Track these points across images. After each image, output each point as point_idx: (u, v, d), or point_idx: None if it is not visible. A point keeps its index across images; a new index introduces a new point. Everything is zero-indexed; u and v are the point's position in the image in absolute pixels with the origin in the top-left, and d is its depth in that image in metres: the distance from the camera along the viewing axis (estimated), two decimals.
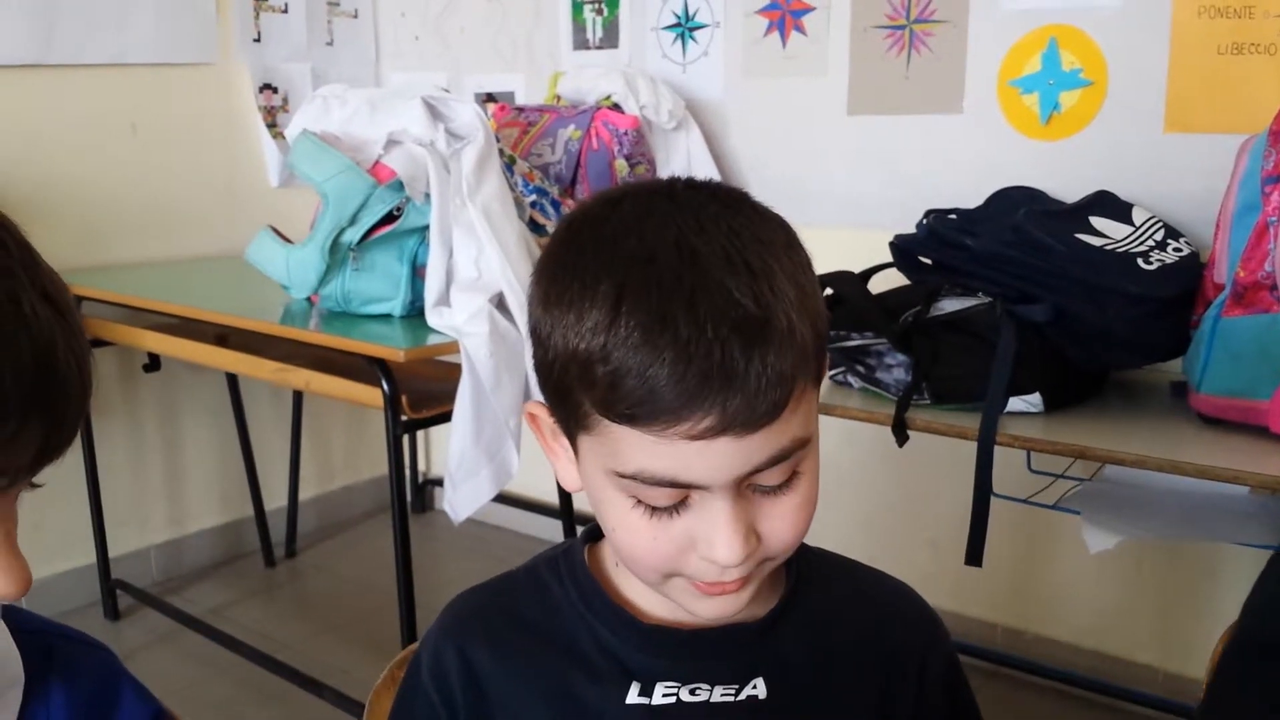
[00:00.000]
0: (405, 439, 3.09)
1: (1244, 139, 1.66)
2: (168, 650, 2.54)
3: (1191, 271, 1.72)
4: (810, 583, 0.81)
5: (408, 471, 3.29)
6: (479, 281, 1.92)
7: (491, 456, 1.90)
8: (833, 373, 1.85)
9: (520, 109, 2.59)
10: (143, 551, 2.86)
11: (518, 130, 2.52)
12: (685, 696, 0.76)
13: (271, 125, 2.97)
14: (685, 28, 2.58)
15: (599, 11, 2.71)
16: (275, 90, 3.00)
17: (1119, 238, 1.77)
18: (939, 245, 1.81)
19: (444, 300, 1.95)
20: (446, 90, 2.10)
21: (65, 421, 0.62)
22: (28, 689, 0.74)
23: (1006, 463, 1.73)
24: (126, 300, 2.36)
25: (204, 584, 2.90)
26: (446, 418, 1.90)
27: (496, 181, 1.99)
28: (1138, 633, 2.24)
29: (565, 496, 2.49)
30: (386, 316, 2.08)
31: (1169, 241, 1.80)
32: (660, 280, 0.63)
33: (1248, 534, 1.68)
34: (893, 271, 1.91)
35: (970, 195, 1.98)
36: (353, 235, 2.01)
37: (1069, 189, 2.00)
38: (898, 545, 2.46)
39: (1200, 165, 1.92)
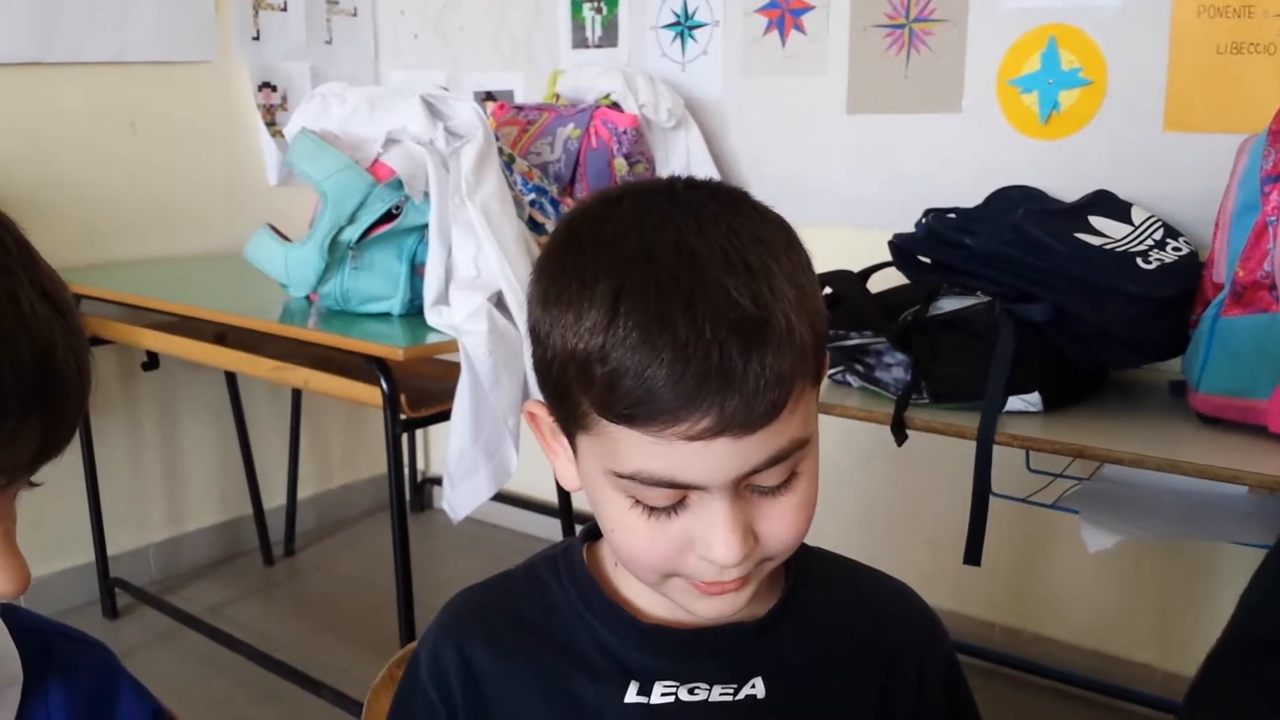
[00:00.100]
0: (404, 438, 3.09)
1: (1243, 138, 1.66)
2: (166, 649, 2.54)
3: (1190, 271, 1.72)
4: (809, 582, 0.81)
5: (406, 470, 3.29)
6: (478, 280, 1.92)
7: (490, 455, 1.90)
8: (831, 372, 1.85)
9: (519, 107, 2.59)
10: (141, 550, 2.86)
11: (517, 129, 2.52)
12: (684, 696, 0.76)
13: (270, 124, 2.97)
14: (684, 26, 2.58)
15: (598, 10, 2.71)
16: (274, 88, 3.00)
17: (1118, 237, 1.77)
18: (938, 244, 1.81)
19: (443, 299, 1.95)
20: (445, 89, 2.10)
21: (64, 420, 0.62)
22: (26, 688, 0.74)
23: (1005, 462, 1.73)
24: (125, 299, 2.36)
25: (203, 583, 2.90)
26: (445, 416, 1.90)
27: (495, 180, 1.99)
28: (1136, 632, 2.24)
29: (564, 495, 2.49)
30: (385, 315, 2.08)
31: (1168, 241, 1.80)
32: (659, 280, 0.63)
33: (1246, 533, 1.68)
34: (892, 271, 1.91)
35: (969, 194, 1.98)
36: (351, 234, 2.01)
37: (1068, 188, 2.00)
38: (896, 544, 2.46)
39: (1199, 165, 1.92)
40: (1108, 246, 1.73)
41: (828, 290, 1.81)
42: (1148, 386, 1.86)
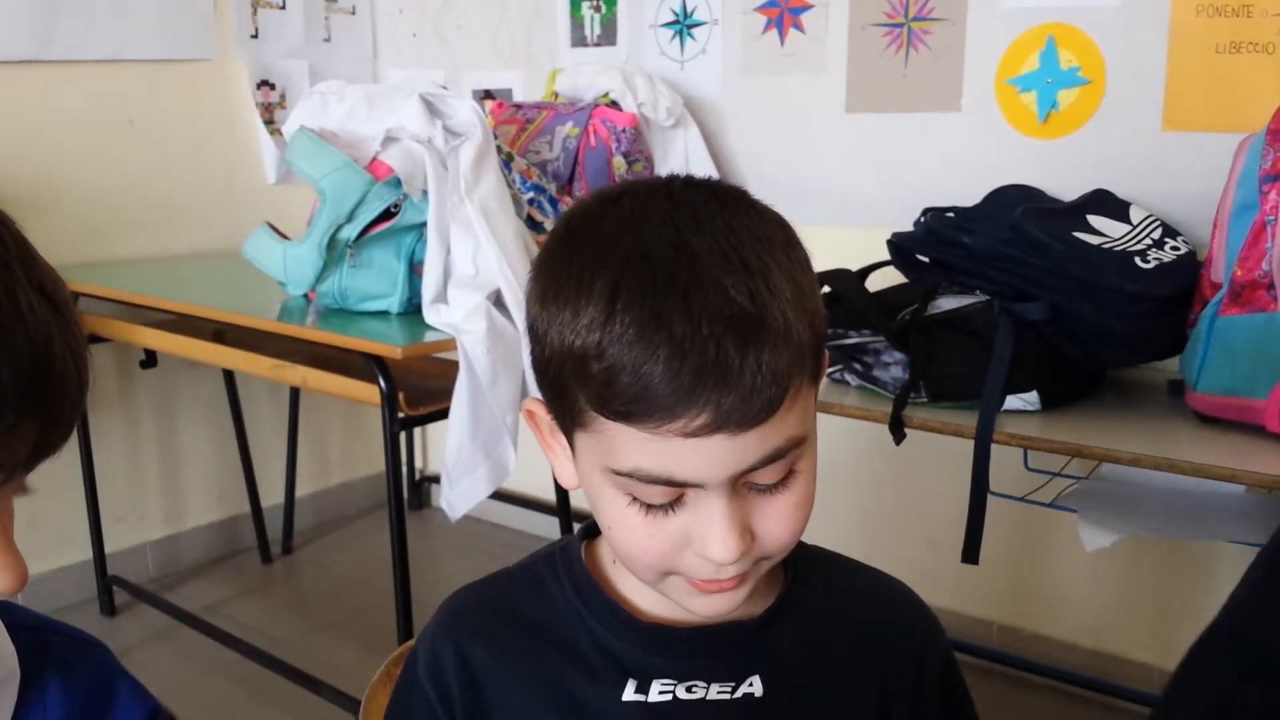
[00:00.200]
0: (402, 436, 3.10)
1: (1242, 138, 1.66)
2: (164, 647, 2.54)
3: (1188, 270, 1.72)
4: (807, 581, 0.81)
5: (405, 468, 3.29)
6: (476, 279, 1.92)
7: (489, 454, 1.90)
8: (830, 371, 1.85)
9: (518, 106, 2.59)
10: (139, 548, 2.86)
11: (515, 127, 2.52)
12: (682, 694, 0.76)
13: (269, 122, 2.97)
14: (683, 25, 2.58)
15: (597, 9, 2.71)
16: (273, 87, 2.99)
17: (1116, 236, 1.77)
18: (936, 243, 1.81)
19: (441, 297, 1.95)
20: (444, 87, 2.11)
21: (62, 418, 0.62)
22: (24, 686, 0.74)
23: (1003, 461, 1.73)
24: (123, 297, 2.36)
25: (200, 580, 2.90)
26: (444, 415, 1.90)
27: (494, 178, 1.99)
28: (1134, 631, 2.24)
29: (562, 494, 2.49)
30: (384, 313, 2.08)
31: (1166, 240, 1.80)
32: (656, 278, 0.63)
33: (1244, 532, 1.68)
34: (890, 269, 1.91)
35: (968, 193, 1.98)
36: (350, 232, 2.01)
37: (1067, 187, 1.99)
38: (895, 543, 2.46)
39: (1198, 164, 1.92)
40: (1106, 246, 1.73)
41: (826, 289, 1.81)
42: (1146, 386, 1.86)
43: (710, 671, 0.76)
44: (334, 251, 2.03)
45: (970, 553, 1.68)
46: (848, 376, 1.84)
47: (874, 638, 0.82)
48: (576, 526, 0.84)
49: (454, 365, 1.88)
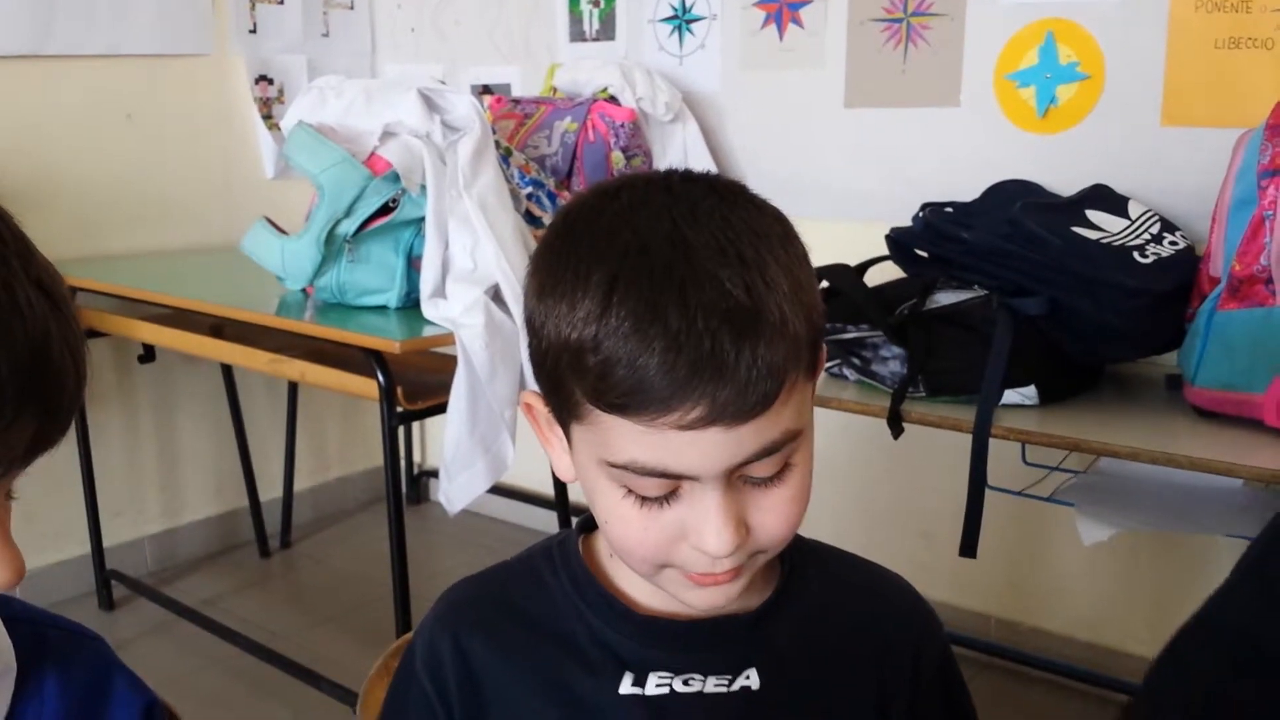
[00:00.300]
0: (400, 430, 3.11)
1: (1241, 133, 1.66)
2: (162, 641, 2.54)
3: (1187, 265, 1.72)
4: (804, 575, 0.81)
5: (403, 463, 3.29)
6: (474, 273, 1.92)
7: (487, 448, 1.90)
8: (828, 365, 1.85)
9: (516, 101, 2.59)
10: (137, 542, 2.86)
11: (514, 122, 2.52)
12: (678, 687, 0.76)
13: (267, 117, 2.96)
14: (682, 20, 2.58)
15: (596, 4, 2.71)
16: (271, 82, 2.99)
17: (1115, 231, 1.77)
18: (935, 238, 1.81)
19: (439, 292, 1.95)
20: (442, 82, 2.10)
21: (60, 412, 0.62)
22: (21, 679, 0.74)
23: (1001, 455, 1.73)
24: (122, 291, 2.36)
25: (199, 575, 2.90)
26: (442, 409, 1.90)
27: (492, 173, 1.99)
28: (1132, 624, 2.25)
29: (560, 488, 2.49)
30: (382, 308, 2.08)
31: (1165, 235, 1.80)
32: (652, 271, 0.63)
33: (1241, 526, 1.68)
34: (889, 264, 1.91)
35: (966, 188, 1.98)
36: (348, 227, 2.01)
37: (1065, 182, 2.00)
38: (893, 537, 2.46)
39: (1197, 159, 1.92)
40: (1104, 240, 1.73)
41: (824, 284, 1.81)
42: (1144, 380, 1.86)
43: (707, 664, 0.77)
44: (332, 246, 2.03)
45: (968, 547, 1.68)
46: (846, 371, 1.84)
47: (871, 631, 0.82)
48: (575, 521, 0.84)
49: (452, 360, 1.88)
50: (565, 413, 0.70)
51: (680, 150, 2.52)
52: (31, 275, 0.61)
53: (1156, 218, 1.85)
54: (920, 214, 1.86)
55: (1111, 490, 1.83)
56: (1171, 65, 1.98)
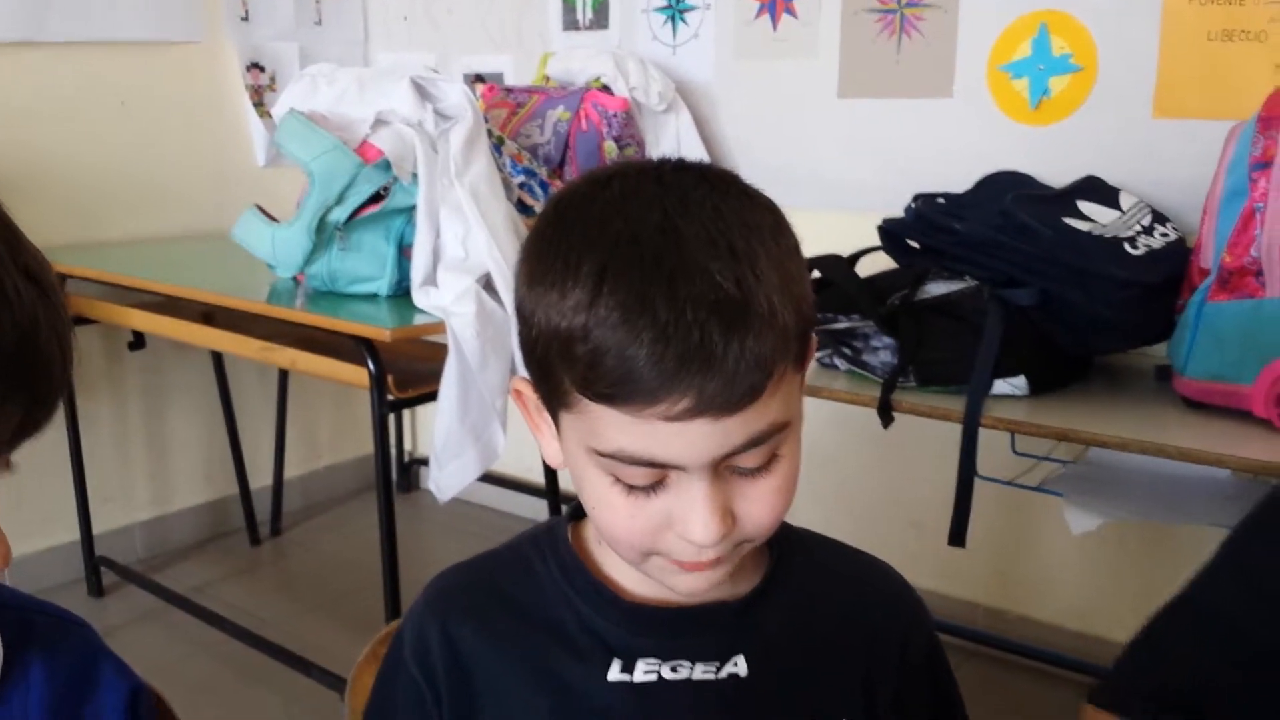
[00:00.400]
0: (391, 418, 3.09)
1: (1232, 125, 1.66)
2: (152, 628, 2.54)
3: (1178, 256, 1.73)
4: (792, 562, 0.82)
5: (394, 451, 3.29)
6: (466, 262, 1.92)
7: (477, 436, 1.90)
8: (819, 355, 1.86)
9: (509, 90, 2.58)
10: (127, 529, 2.86)
11: (506, 111, 2.51)
12: (667, 674, 0.76)
13: (259, 104, 2.95)
14: (675, 9, 2.58)
15: None
16: (263, 69, 2.98)
17: (1106, 222, 1.77)
18: (927, 229, 1.81)
19: (430, 280, 1.95)
20: (435, 70, 2.09)
21: (46, 398, 0.62)
22: (6, 665, 0.74)
23: (991, 445, 1.73)
24: (112, 278, 2.35)
25: (188, 562, 2.90)
26: (432, 397, 1.90)
27: (484, 162, 1.98)
28: (1120, 613, 2.26)
29: (551, 476, 2.49)
30: (373, 296, 2.07)
31: (1156, 226, 1.80)
32: (642, 261, 0.63)
33: (1229, 516, 1.68)
34: (881, 255, 1.91)
35: (959, 179, 1.98)
36: (339, 215, 2.01)
37: (1058, 174, 2.00)
38: (882, 526, 2.47)
39: (1189, 151, 1.92)
40: (1096, 232, 1.73)
41: (816, 274, 1.82)
42: (1133, 371, 1.87)
43: (695, 651, 0.77)
44: (323, 234, 2.02)
45: (957, 536, 1.69)
46: (837, 361, 1.84)
47: (858, 619, 0.82)
48: (565, 509, 0.84)
49: (443, 348, 1.88)
50: (554, 400, 0.70)
51: (673, 140, 2.52)
52: (19, 263, 0.61)
53: (1148, 209, 1.85)
54: (912, 205, 1.86)
55: (1100, 480, 1.84)
56: (1164, 57, 1.98)
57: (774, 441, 0.68)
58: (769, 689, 0.77)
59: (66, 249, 2.51)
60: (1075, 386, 1.78)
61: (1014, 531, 2.35)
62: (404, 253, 2.04)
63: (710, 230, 0.65)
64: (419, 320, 1.92)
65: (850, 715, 0.80)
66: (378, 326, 1.86)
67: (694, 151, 2.48)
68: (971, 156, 2.12)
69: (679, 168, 0.71)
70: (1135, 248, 1.72)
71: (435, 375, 1.88)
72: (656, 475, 0.67)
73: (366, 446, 3.25)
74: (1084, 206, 1.80)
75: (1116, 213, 1.81)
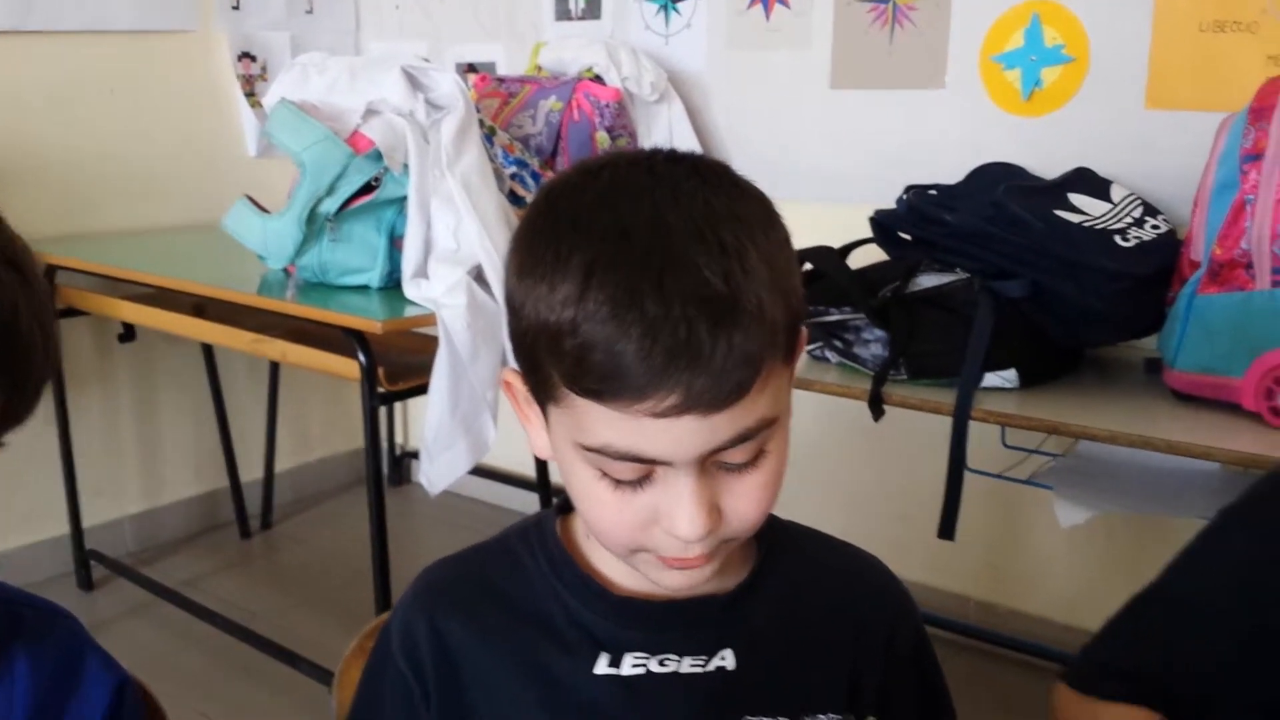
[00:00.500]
0: (382, 411, 3.10)
1: (1224, 117, 1.66)
2: (141, 621, 2.53)
3: (1168, 249, 1.73)
4: (780, 555, 0.82)
5: (384, 444, 3.28)
6: (457, 253, 1.91)
7: (468, 429, 1.90)
8: (810, 347, 1.86)
9: (501, 80, 2.57)
10: (117, 522, 2.85)
11: (498, 101, 2.50)
12: (654, 667, 0.76)
13: (250, 94, 2.94)
14: None
15: None
16: (254, 59, 2.97)
17: (1097, 215, 1.77)
18: (918, 221, 1.81)
19: (422, 272, 1.94)
20: (427, 60, 2.09)
21: (28, 385, 0.62)
22: None
23: (981, 438, 1.73)
24: (102, 270, 2.34)
25: (179, 555, 2.89)
26: (423, 390, 1.90)
27: (476, 152, 1.98)
28: (1109, 606, 2.24)
29: (542, 469, 2.49)
30: (364, 288, 2.07)
31: (1146, 219, 1.80)
32: (631, 256, 0.63)
33: (1218, 509, 1.69)
34: (872, 247, 1.91)
35: (951, 171, 1.98)
36: (330, 205, 2.00)
37: (1050, 165, 2.00)
38: (872, 519, 2.47)
39: (1181, 142, 1.92)
40: (1086, 224, 1.73)
41: (807, 266, 1.81)
42: (1124, 364, 1.87)
43: (683, 645, 0.77)
44: (314, 225, 2.02)
45: (947, 529, 1.69)
46: (828, 353, 1.84)
47: (846, 611, 0.82)
48: (555, 502, 0.84)
49: (434, 340, 1.87)
50: (542, 393, 0.70)
51: (665, 130, 2.51)
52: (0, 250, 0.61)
53: (1139, 201, 1.85)
54: (904, 196, 1.86)
55: (1090, 473, 1.84)
56: (1156, 48, 1.98)
57: (761, 437, 0.68)
58: (757, 682, 0.77)
59: (56, 240, 2.50)
60: (1066, 379, 1.78)
61: (1004, 525, 2.35)
62: (395, 244, 2.03)
63: (700, 224, 0.64)
64: (410, 312, 1.91)
65: (837, 707, 0.79)
66: (369, 318, 1.86)
67: (686, 142, 2.47)
68: (963, 148, 2.12)
69: (670, 159, 0.70)
70: (1126, 240, 1.72)
71: (426, 368, 1.88)
72: (643, 470, 0.67)
73: (357, 440, 3.24)
74: (1075, 198, 1.80)
75: (1107, 205, 1.81)
